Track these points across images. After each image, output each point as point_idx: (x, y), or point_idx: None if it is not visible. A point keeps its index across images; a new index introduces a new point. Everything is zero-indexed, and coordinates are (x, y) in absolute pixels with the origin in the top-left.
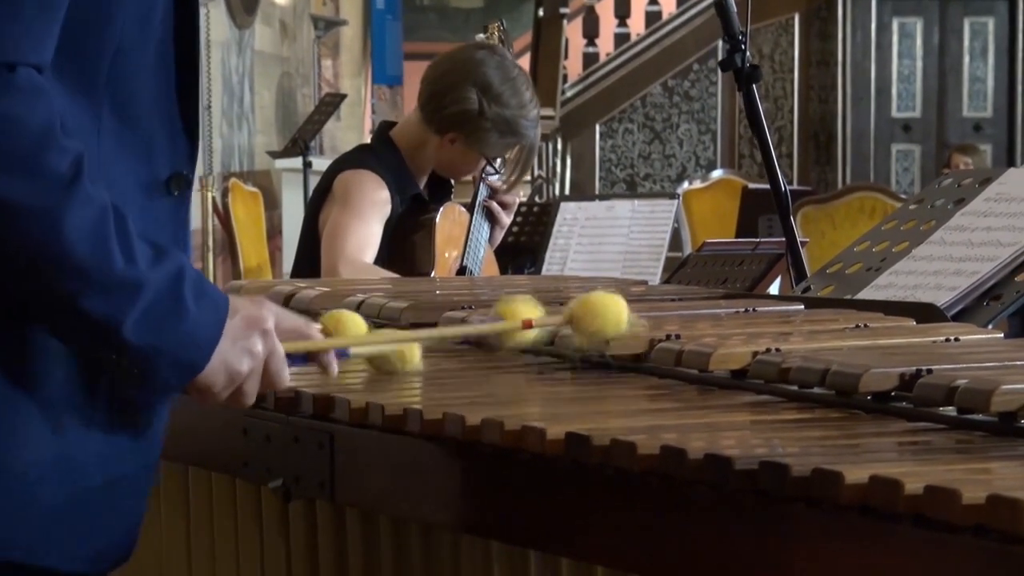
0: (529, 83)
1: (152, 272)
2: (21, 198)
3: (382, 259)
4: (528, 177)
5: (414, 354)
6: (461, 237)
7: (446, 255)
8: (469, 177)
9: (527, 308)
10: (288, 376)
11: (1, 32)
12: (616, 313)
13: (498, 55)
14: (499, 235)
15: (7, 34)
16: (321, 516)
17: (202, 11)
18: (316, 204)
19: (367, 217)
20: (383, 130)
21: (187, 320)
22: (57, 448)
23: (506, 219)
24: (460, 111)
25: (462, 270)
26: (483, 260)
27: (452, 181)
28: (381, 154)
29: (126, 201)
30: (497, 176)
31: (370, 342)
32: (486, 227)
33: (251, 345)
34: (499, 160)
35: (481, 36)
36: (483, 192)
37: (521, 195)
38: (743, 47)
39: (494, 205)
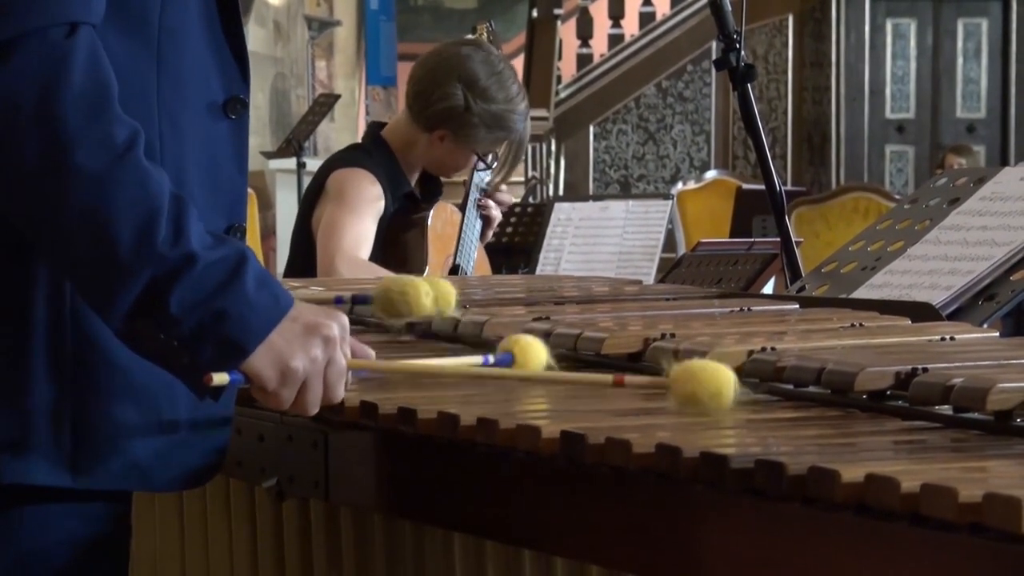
0: (516, 77)
1: (205, 252)
2: (75, 163)
3: (375, 258)
4: (522, 178)
5: (422, 298)
6: (453, 236)
7: (438, 254)
8: (461, 176)
9: (539, 351)
10: (343, 392)
11: None
12: (718, 385)
13: (484, 50)
14: (488, 233)
15: None
16: (315, 515)
17: None
18: (309, 204)
19: (362, 214)
20: (373, 130)
21: (240, 299)
22: (149, 396)
23: (497, 214)
24: (447, 107)
25: (455, 269)
26: (475, 259)
27: (441, 182)
28: (372, 153)
29: (191, 130)
30: (488, 173)
31: (419, 370)
32: (478, 226)
33: (309, 347)
34: (490, 157)
35: (470, 37)
36: (475, 192)
37: (513, 197)
38: (738, 47)
39: (488, 201)
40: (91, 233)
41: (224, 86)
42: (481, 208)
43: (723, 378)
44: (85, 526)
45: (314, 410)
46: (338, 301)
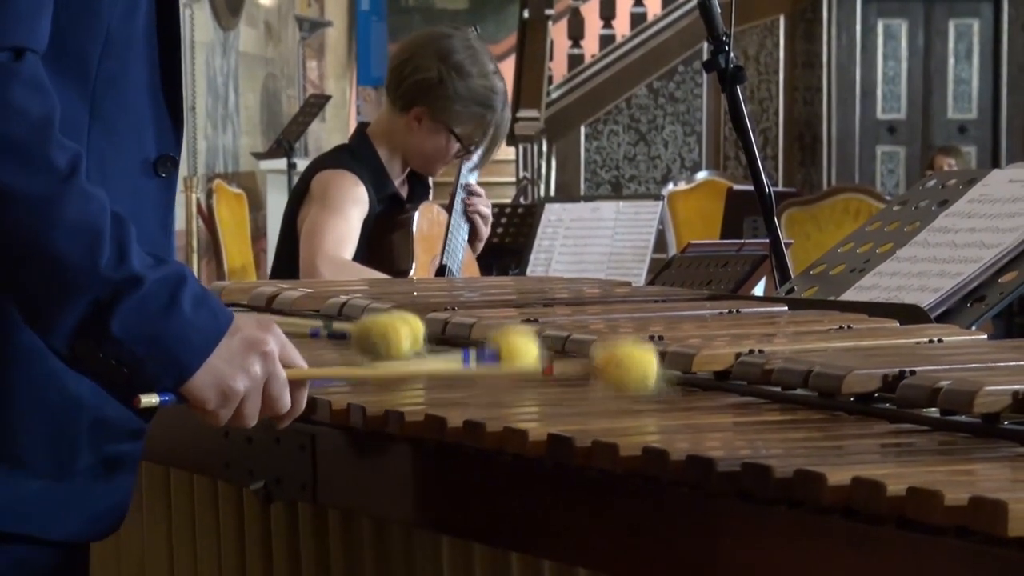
0: (491, 57)
1: (147, 272)
2: (17, 185)
3: (361, 258)
4: (513, 178)
5: (400, 341)
6: (440, 237)
7: (425, 254)
8: (447, 177)
9: (528, 344)
10: (288, 402)
11: (2, 17)
12: (643, 369)
13: (462, 32)
14: (479, 246)
15: (8, 19)
16: (303, 518)
17: (186, 12)
18: (294, 205)
19: (346, 214)
20: (360, 130)
21: (180, 322)
22: (52, 428)
23: (485, 231)
24: (420, 79)
25: (441, 270)
26: (463, 260)
27: (431, 182)
28: (358, 154)
29: (119, 183)
30: (474, 174)
31: (370, 375)
32: (465, 227)
33: (248, 365)
34: (475, 147)
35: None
36: (461, 192)
37: (488, 210)
38: (727, 48)
39: (476, 217)
40: (32, 256)
41: (157, 143)
42: (469, 206)
43: (647, 363)
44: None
45: (252, 423)
46: (314, 334)
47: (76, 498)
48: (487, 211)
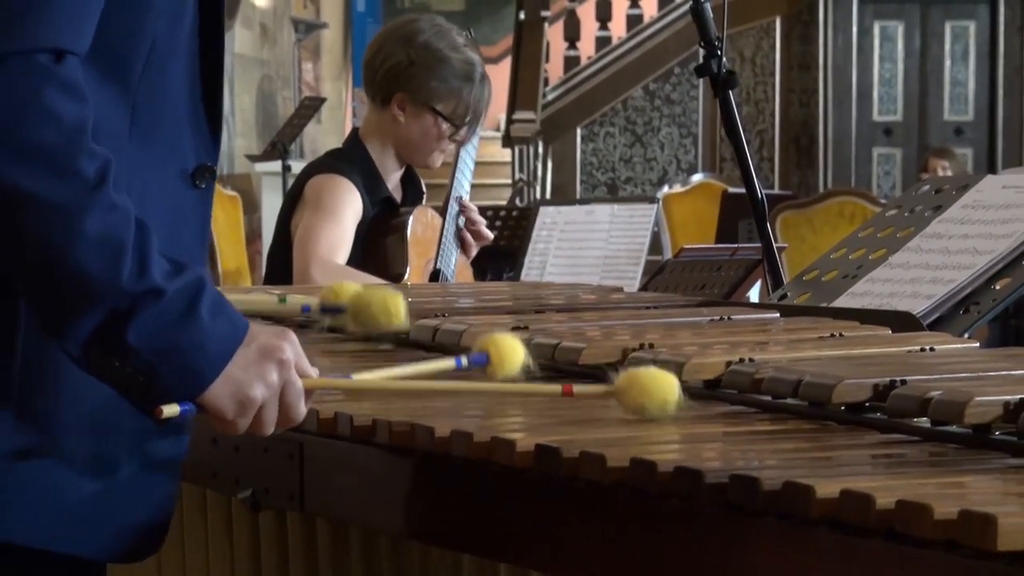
0: (460, 33)
1: (167, 283)
2: (44, 192)
3: (355, 262)
4: (508, 180)
5: (399, 310)
6: (434, 240)
7: (419, 258)
8: (442, 179)
9: (516, 349)
10: (304, 410)
11: (46, 16)
12: (664, 394)
13: (427, 16)
14: (471, 254)
15: (52, 19)
16: (291, 527)
17: None
18: (288, 210)
19: (339, 219)
20: (354, 134)
21: (198, 330)
22: (90, 441)
23: (474, 250)
24: (391, 66)
25: (435, 274)
26: (456, 264)
27: (424, 186)
28: (352, 158)
29: (157, 193)
30: (468, 180)
31: (378, 386)
32: (457, 249)
33: (265, 374)
34: (462, 125)
35: None
36: (455, 193)
37: (490, 234)
38: (719, 53)
39: (466, 235)
40: (53, 265)
41: (195, 153)
42: (469, 224)
43: (668, 387)
44: None
45: (270, 432)
46: (305, 310)
47: (114, 511)
48: (489, 234)
